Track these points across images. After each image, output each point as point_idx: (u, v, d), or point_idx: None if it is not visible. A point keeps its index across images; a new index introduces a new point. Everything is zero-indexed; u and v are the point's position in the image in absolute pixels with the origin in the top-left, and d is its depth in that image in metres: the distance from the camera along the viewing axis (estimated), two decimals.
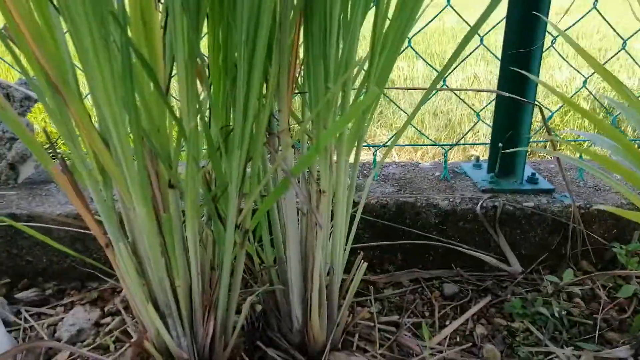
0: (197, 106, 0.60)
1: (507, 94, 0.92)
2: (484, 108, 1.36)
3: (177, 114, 0.59)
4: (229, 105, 0.67)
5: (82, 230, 1.01)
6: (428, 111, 2.71)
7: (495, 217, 1.09)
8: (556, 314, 0.98)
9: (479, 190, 1.14)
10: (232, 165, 0.64)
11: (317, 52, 0.59)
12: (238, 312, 0.79)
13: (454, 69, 1.18)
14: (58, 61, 0.51)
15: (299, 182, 0.70)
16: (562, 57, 1.15)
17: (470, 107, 1.10)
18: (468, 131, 1.26)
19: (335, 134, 0.63)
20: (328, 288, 0.80)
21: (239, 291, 0.76)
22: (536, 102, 0.93)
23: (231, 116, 0.67)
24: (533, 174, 1.17)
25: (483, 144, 1.42)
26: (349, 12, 0.57)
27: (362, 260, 0.85)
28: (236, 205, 0.66)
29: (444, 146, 1.24)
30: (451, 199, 1.09)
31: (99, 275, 1.04)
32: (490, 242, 1.11)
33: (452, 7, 1.06)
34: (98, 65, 0.48)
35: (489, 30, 1.12)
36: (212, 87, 0.66)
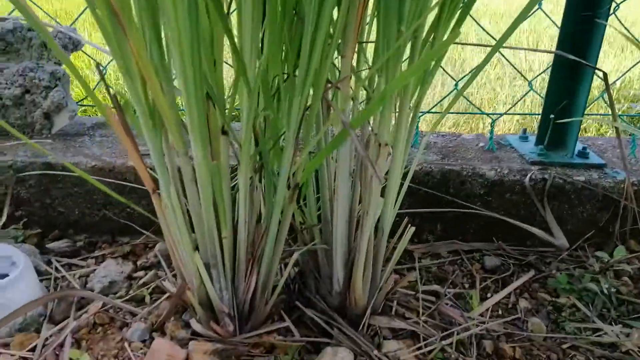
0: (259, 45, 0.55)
1: (570, 56, 0.85)
2: (536, 77, 1.29)
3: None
4: (287, 50, 0.62)
5: (118, 182, 0.98)
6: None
7: (544, 190, 1.04)
8: (605, 291, 0.94)
9: (526, 162, 1.09)
10: (291, 112, 0.59)
11: None
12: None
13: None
14: None
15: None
16: (624, 27, 1.08)
17: (521, 75, 1.04)
18: (517, 101, 1.21)
19: (407, 81, 0.58)
20: (374, 250, 0.76)
21: (282, 248, 0.72)
22: (599, 68, 0.86)
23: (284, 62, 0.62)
24: (584, 149, 1.11)
25: (532, 114, 1.35)
26: None
27: (410, 225, 0.81)
28: (291, 155, 0.63)
29: (491, 115, 1.18)
30: (498, 169, 1.04)
31: (135, 227, 1.02)
32: (536, 217, 1.06)
33: None
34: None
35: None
36: (266, 30, 0.61)
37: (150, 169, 0.65)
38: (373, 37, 0.66)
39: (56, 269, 0.92)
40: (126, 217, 1.03)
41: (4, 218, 0.98)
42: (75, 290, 0.85)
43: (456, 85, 1.25)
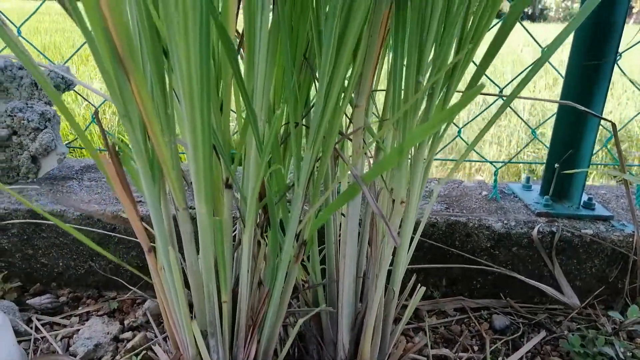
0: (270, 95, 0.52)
1: (579, 106, 0.83)
2: (540, 125, 1.28)
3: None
4: (296, 97, 0.59)
5: (106, 232, 0.92)
6: (448, 134, 2.62)
7: (552, 243, 1.00)
8: (621, 355, 0.89)
9: (532, 213, 1.05)
10: (301, 166, 0.55)
11: (413, 40, 0.51)
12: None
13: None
14: (126, 28, 0.43)
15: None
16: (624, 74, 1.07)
17: (525, 123, 1.03)
18: (521, 150, 1.18)
19: (425, 136, 0.55)
20: (384, 313, 0.71)
21: (285, 311, 0.67)
22: (606, 118, 0.85)
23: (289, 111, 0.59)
24: (589, 199, 1.09)
25: (537, 162, 1.34)
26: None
27: (420, 285, 0.76)
28: (300, 209, 0.58)
29: (494, 164, 1.16)
30: (505, 221, 1.01)
31: (121, 282, 0.95)
32: (544, 271, 1.02)
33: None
34: (185, 34, 0.41)
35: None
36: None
37: (141, 218, 0.60)
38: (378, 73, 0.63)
39: (36, 329, 0.84)
40: (113, 269, 0.96)
41: None
42: (56, 356, 0.77)
43: (459, 131, 1.23)
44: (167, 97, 0.55)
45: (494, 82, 1.08)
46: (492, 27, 0.59)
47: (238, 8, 0.53)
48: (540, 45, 1.06)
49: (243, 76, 0.52)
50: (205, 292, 0.57)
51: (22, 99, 1.05)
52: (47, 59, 1.20)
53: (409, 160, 0.59)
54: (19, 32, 1.14)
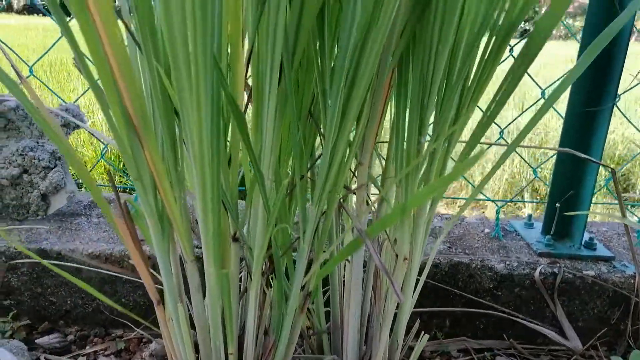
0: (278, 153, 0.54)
1: (578, 153, 0.85)
2: (540, 165, 1.30)
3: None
4: (301, 152, 0.61)
5: (113, 273, 0.94)
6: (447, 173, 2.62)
7: (554, 285, 1.01)
8: None
9: (534, 253, 1.07)
10: (307, 219, 0.57)
11: (414, 104, 0.54)
12: None
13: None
14: (140, 97, 0.46)
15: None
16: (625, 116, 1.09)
17: (527, 163, 1.05)
18: (523, 188, 1.20)
19: (428, 198, 0.57)
20: None
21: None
22: (605, 164, 0.86)
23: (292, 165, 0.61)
24: (591, 239, 1.10)
25: (538, 201, 1.35)
26: (458, 62, 0.51)
27: (423, 332, 0.77)
28: (305, 263, 0.60)
29: (496, 202, 1.17)
30: (507, 262, 1.02)
31: (126, 322, 0.97)
32: (547, 312, 1.03)
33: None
34: (197, 105, 0.43)
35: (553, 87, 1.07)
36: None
37: (149, 257, 0.61)
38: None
39: None
40: (121, 306, 0.98)
41: None
42: None
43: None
44: (177, 154, 0.58)
45: (495, 124, 1.10)
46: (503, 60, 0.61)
47: (246, 70, 0.56)
48: (540, 87, 1.08)
49: (250, 137, 0.55)
50: (212, 345, 0.58)
51: (34, 137, 1.08)
52: (60, 98, 1.23)
53: (412, 216, 0.60)
54: (30, 71, 1.18)
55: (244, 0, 0.54)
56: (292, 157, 0.62)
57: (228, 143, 0.59)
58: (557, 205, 1.09)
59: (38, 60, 1.24)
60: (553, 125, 3.14)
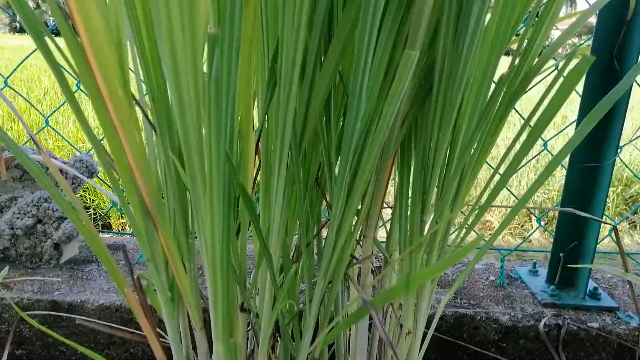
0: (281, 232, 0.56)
1: (580, 212, 0.87)
2: (544, 214, 1.32)
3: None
4: (307, 222, 0.63)
5: (122, 328, 0.96)
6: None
7: (559, 337, 1.01)
8: None
9: (539, 303, 1.07)
10: (313, 291, 0.59)
11: (416, 184, 0.56)
12: None
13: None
14: (155, 188, 0.48)
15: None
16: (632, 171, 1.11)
17: (532, 214, 1.07)
18: (528, 236, 1.22)
19: (428, 279, 0.59)
20: None
21: None
22: (607, 222, 0.88)
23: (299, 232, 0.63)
24: (595, 289, 1.11)
25: (542, 250, 1.37)
26: (457, 147, 0.54)
27: None
28: (311, 335, 0.61)
29: (501, 251, 1.19)
30: (512, 314, 1.03)
31: None
32: None
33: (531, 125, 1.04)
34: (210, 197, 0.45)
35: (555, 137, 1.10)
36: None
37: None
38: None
39: None
40: (129, 357, 0.99)
41: (4, 358, 0.95)
42: None
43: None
44: (188, 227, 0.60)
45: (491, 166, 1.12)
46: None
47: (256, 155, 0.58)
48: (543, 140, 1.11)
49: (260, 220, 0.57)
50: None
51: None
52: (75, 149, 1.27)
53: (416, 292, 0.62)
54: (46, 122, 1.22)
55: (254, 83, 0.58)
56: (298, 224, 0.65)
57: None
58: (562, 254, 1.10)
59: (53, 112, 1.27)
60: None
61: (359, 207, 0.61)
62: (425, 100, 0.53)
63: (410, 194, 0.57)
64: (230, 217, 0.52)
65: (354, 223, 0.60)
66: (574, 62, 0.52)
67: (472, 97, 0.51)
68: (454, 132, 0.53)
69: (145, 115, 0.56)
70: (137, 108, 0.54)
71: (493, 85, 0.55)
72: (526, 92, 0.59)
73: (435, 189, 0.57)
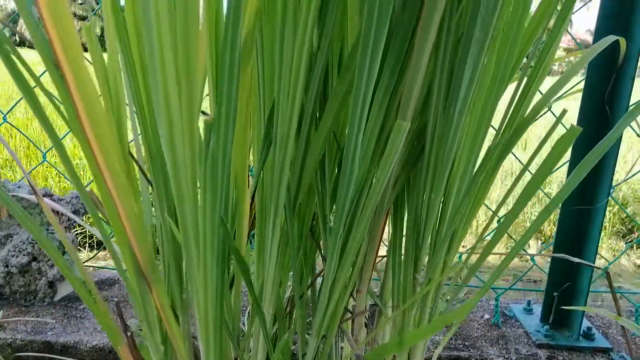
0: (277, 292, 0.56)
1: (572, 258, 0.87)
2: (538, 254, 1.33)
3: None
4: (301, 273, 0.64)
5: None
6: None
7: None
8: None
9: (533, 344, 1.07)
10: (309, 345, 0.59)
11: (409, 243, 0.57)
12: None
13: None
14: (150, 253, 0.49)
15: None
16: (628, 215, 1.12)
17: (525, 253, 1.08)
18: (522, 275, 1.22)
19: (421, 339, 0.59)
20: None
21: None
22: (599, 267, 0.88)
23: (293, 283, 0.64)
24: (589, 328, 1.11)
25: (536, 290, 1.37)
26: (450, 205, 0.55)
27: None
28: None
29: (496, 290, 1.19)
30: (507, 356, 1.03)
31: None
32: None
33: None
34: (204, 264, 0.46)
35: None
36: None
37: None
38: None
39: None
40: None
41: None
42: None
43: (460, 257, 1.26)
44: (182, 282, 0.61)
45: (489, 208, 1.13)
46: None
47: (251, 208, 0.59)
48: (542, 189, 1.12)
49: (254, 276, 0.58)
50: None
51: (44, 224, 1.11)
52: (72, 184, 1.27)
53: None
54: (44, 157, 1.22)
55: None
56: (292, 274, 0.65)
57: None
58: (555, 294, 1.10)
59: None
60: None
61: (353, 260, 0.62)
62: (418, 160, 0.54)
63: (402, 252, 0.57)
64: (223, 275, 0.52)
65: (348, 276, 0.60)
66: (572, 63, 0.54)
67: (463, 160, 0.52)
68: (445, 192, 0.54)
69: (143, 173, 0.57)
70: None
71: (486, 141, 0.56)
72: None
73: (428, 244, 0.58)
